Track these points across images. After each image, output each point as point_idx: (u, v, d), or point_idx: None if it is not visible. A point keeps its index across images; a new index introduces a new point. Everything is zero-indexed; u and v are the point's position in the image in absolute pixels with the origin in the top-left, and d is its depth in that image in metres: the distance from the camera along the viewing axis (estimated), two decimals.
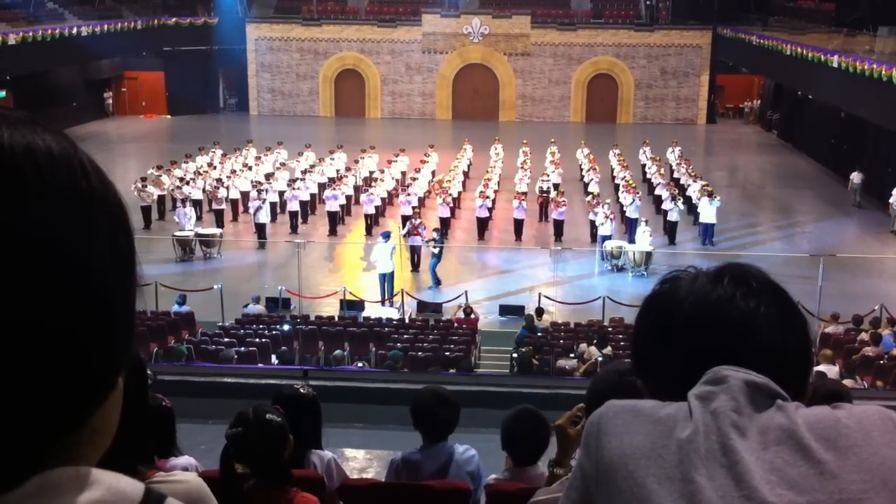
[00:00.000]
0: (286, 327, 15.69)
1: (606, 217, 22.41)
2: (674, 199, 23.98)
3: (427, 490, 4.50)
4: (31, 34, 32.92)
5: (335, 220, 24.54)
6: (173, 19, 44.11)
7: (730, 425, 1.10)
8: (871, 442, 1.10)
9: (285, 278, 19.66)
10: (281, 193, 25.49)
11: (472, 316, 17.26)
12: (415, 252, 21.61)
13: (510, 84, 44.77)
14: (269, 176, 27.43)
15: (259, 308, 17.76)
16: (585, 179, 28.52)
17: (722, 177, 32.61)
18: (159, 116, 45.36)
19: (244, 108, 46.18)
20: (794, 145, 38.70)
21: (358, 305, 18.73)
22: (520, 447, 4.44)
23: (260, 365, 13.09)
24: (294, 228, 24.42)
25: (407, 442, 5.18)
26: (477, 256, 23.39)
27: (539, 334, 15.99)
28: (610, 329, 15.86)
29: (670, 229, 23.86)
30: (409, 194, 24.50)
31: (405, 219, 22.92)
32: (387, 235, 19.93)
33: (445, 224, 24.37)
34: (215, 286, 18.15)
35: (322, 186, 26.74)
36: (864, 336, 15.08)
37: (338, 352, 14.60)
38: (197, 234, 22.71)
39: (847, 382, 11.29)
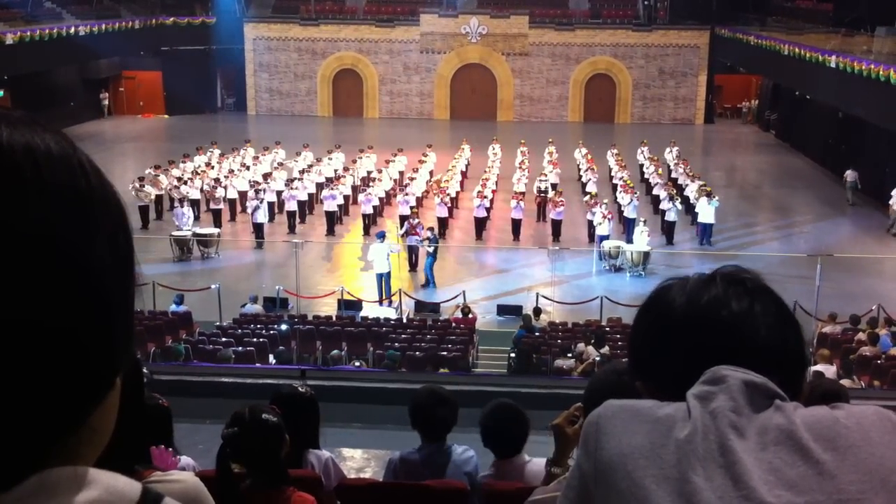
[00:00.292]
0: (284, 327, 15.68)
1: (604, 217, 22.42)
2: (672, 199, 23.99)
3: (425, 490, 4.50)
4: (29, 34, 32.89)
5: (333, 219, 24.53)
6: (171, 19, 44.09)
7: (728, 426, 1.10)
8: (869, 442, 1.10)
9: (283, 278, 19.66)
10: (279, 193, 25.47)
11: (470, 316, 17.26)
12: (413, 252, 21.62)
13: (508, 84, 44.78)
14: (266, 176, 27.41)
15: (257, 308, 17.76)
16: (583, 179, 28.52)
17: (720, 177, 32.62)
18: (157, 116, 45.33)
19: (242, 107, 46.17)
20: (792, 145, 38.73)
21: (356, 305, 18.72)
22: (500, 440, 4.48)
23: (257, 365, 13.09)
24: (292, 228, 24.42)
25: (405, 442, 5.18)
26: (475, 256, 23.39)
27: (537, 334, 15.99)
28: (608, 329, 15.86)
29: (668, 229, 23.87)
30: (407, 194, 24.50)
31: (403, 218, 22.92)
32: (382, 235, 19.94)
33: (443, 224, 24.38)
34: (213, 286, 18.15)
35: (320, 186, 26.74)
36: (862, 336, 15.09)
37: (335, 352, 14.59)
38: (195, 234, 22.70)
39: (844, 382, 11.30)
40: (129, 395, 0.90)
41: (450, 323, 17.06)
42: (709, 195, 23.72)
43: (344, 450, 7.66)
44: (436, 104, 45.25)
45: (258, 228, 23.35)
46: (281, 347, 14.41)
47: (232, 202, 25.77)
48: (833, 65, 28.35)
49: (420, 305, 19.12)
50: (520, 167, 28.07)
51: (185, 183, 25.74)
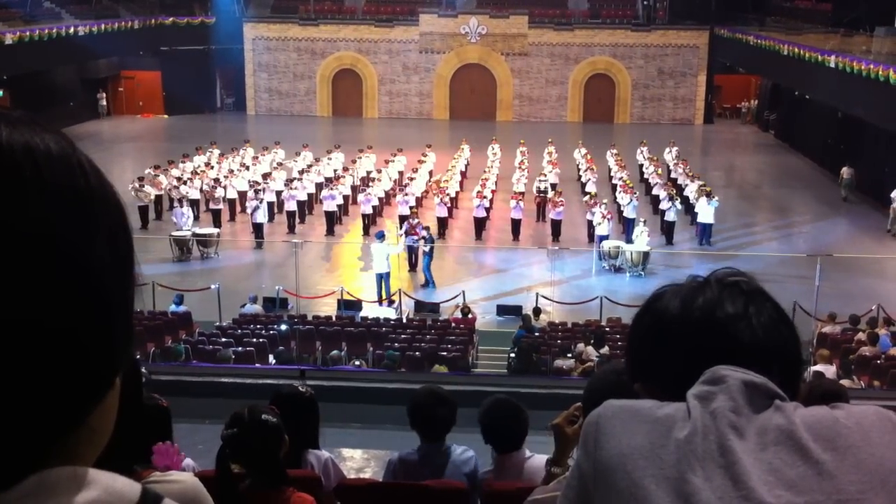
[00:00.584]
0: (283, 327, 15.68)
1: (604, 217, 22.41)
2: (671, 199, 24.00)
3: (424, 490, 4.50)
4: (28, 34, 32.90)
5: (332, 219, 24.53)
6: (170, 19, 44.09)
7: (728, 426, 1.11)
8: (869, 442, 1.10)
9: (283, 278, 19.66)
10: (278, 193, 25.47)
11: (470, 316, 17.26)
12: (412, 252, 21.61)
13: (507, 84, 44.78)
14: (266, 176, 27.40)
15: (256, 308, 17.75)
16: (583, 179, 28.53)
17: (719, 177, 32.62)
18: (156, 116, 45.33)
19: (241, 107, 46.17)
20: (791, 145, 38.75)
21: (355, 305, 18.72)
22: (500, 436, 4.49)
23: (257, 365, 13.09)
24: (291, 228, 24.42)
25: (404, 442, 5.18)
26: (474, 256, 23.39)
27: (536, 334, 15.99)
28: (607, 329, 15.86)
29: (668, 229, 23.88)
30: (406, 194, 24.49)
31: (403, 218, 22.93)
32: (381, 235, 19.94)
33: (443, 224, 24.38)
34: (212, 286, 18.14)
35: (319, 186, 26.74)
36: (861, 336, 15.09)
37: (335, 352, 14.59)
38: (194, 234, 22.70)
39: (844, 382, 11.30)
40: (128, 396, 0.90)
41: (449, 323, 17.05)
42: (708, 195, 23.72)
43: (344, 450, 7.66)
44: (435, 104, 45.25)
45: (258, 228, 23.35)
46: (280, 347, 14.40)
47: (231, 202, 25.76)
48: (832, 65, 28.36)
49: (420, 305, 19.12)
50: (519, 167, 28.07)
51: (185, 183, 25.74)
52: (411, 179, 26.84)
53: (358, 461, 7.68)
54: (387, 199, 26.65)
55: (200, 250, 22.55)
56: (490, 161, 30.02)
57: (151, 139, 39.39)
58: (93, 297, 0.79)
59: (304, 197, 25.45)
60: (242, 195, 25.75)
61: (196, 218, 24.54)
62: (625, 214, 23.99)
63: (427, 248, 20.86)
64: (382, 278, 19.46)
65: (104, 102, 44.51)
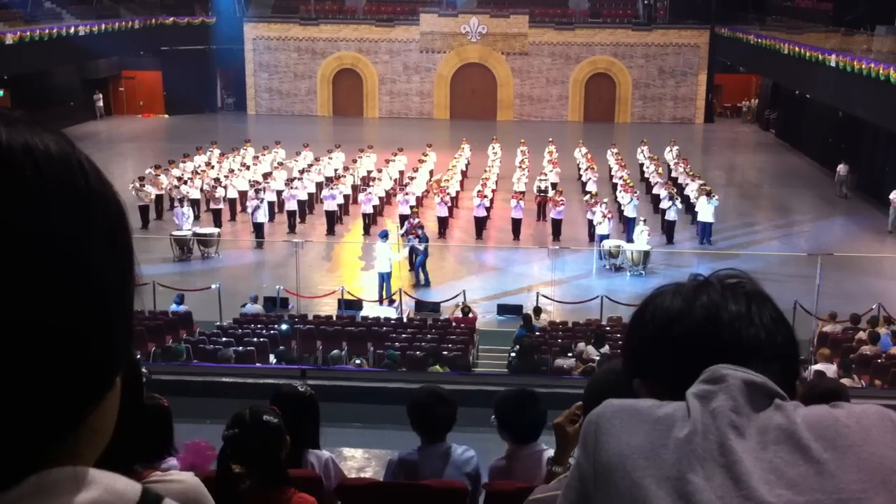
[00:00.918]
0: (284, 327, 15.67)
1: (604, 216, 22.41)
2: (672, 198, 23.99)
3: (425, 490, 4.50)
4: (28, 34, 32.91)
5: (333, 219, 24.53)
6: (171, 19, 44.08)
7: (728, 425, 1.10)
8: (869, 441, 1.10)
9: (283, 278, 19.66)
10: (279, 193, 25.47)
11: (470, 315, 17.26)
12: (413, 252, 21.60)
13: (508, 83, 44.78)
14: (266, 175, 27.41)
15: (257, 307, 17.75)
16: (583, 179, 28.52)
17: (720, 176, 32.63)
18: (157, 116, 45.33)
19: (242, 107, 46.17)
20: (792, 144, 38.74)
21: (356, 305, 18.72)
22: (515, 425, 4.49)
23: (258, 364, 13.09)
24: (292, 228, 24.42)
25: (405, 441, 5.18)
26: (475, 256, 23.39)
27: (537, 333, 15.99)
28: (608, 328, 15.86)
29: (668, 228, 23.87)
30: (407, 194, 24.49)
31: (403, 218, 22.93)
32: (385, 235, 19.93)
33: (443, 223, 24.39)
34: (213, 286, 18.14)
35: (320, 186, 26.74)
36: (862, 335, 15.09)
37: (335, 351, 14.59)
38: (195, 234, 22.70)
39: (845, 381, 11.30)
40: (128, 396, 0.90)
41: (450, 322, 17.05)
42: (708, 194, 23.72)
43: (344, 450, 7.66)
44: (435, 104, 45.25)
45: (258, 228, 23.35)
46: (281, 347, 14.41)
47: (232, 202, 25.77)
48: (833, 64, 28.35)
49: (420, 305, 19.12)
50: (520, 167, 28.07)
51: (185, 183, 25.74)
52: (412, 179, 26.84)
53: (359, 461, 7.68)
54: (387, 199, 26.65)
55: (201, 250, 22.55)
56: (490, 160, 30.02)
57: (152, 139, 39.39)
58: (92, 296, 0.79)
59: (304, 196, 25.45)
60: (243, 195, 25.76)
61: (196, 218, 24.55)
62: (625, 214, 23.99)
63: (422, 248, 20.86)
64: (384, 278, 19.47)
65: (100, 104, 44.31)
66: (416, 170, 27.85)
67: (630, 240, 22.37)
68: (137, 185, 24.71)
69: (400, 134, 36.65)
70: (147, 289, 16.88)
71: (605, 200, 23.82)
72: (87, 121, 42.31)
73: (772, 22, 40.34)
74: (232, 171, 27.85)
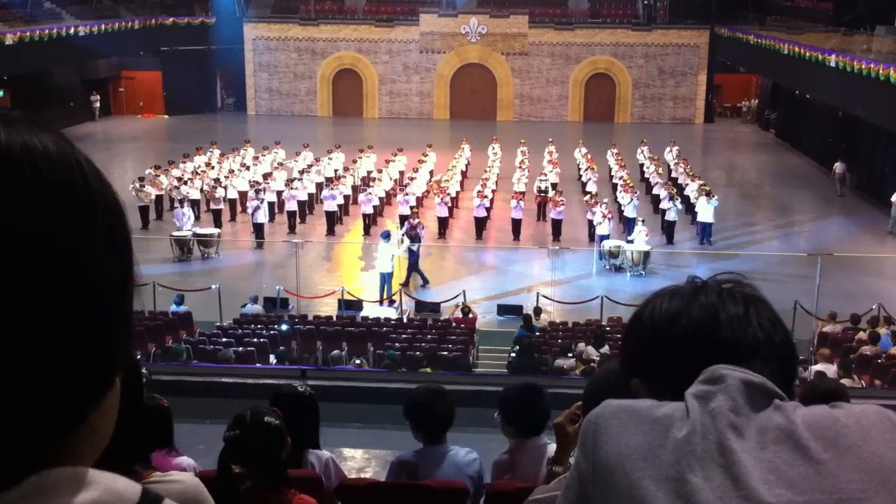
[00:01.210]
0: (284, 327, 15.67)
1: (604, 216, 22.41)
2: (672, 198, 23.99)
3: (425, 490, 4.50)
4: (28, 34, 32.90)
5: (333, 219, 24.53)
6: (171, 19, 44.07)
7: (727, 425, 1.10)
8: (869, 441, 1.10)
9: (283, 278, 19.66)
10: (279, 193, 25.47)
11: (470, 315, 17.26)
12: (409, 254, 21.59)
13: (508, 84, 44.78)
14: (266, 176, 27.41)
15: (257, 308, 17.75)
16: (583, 179, 28.52)
17: (720, 176, 32.64)
18: (157, 116, 45.33)
19: (242, 107, 46.17)
20: (792, 144, 38.74)
21: (356, 305, 18.72)
22: (525, 417, 4.51)
23: (258, 365, 13.08)
24: (292, 228, 24.41)
25: (405, 442, 5.18)
26: (475, 256, 23.39)
27: (537, 334, 15.99)
28: (608, 328, 15.86)
29: (668, 229, 23.88)
30: (407, 194, 24.49)
31: (403, 218, 22.93)
32: (387, 235, 19.93)
33: (444, 224, 24.39)
34: (213, 286, 18.14)
35: (320, 186, 26.74)
36: (862, 335, 15.09)
37: (336, 352, 14.59)
38: (195, 234, 22.70)
39: (845, 381, 11.30)
40: (128, 396, 0.90)
41: (450, 323, 17.05)
42: (708, 194, 23.72)
43: (344, 450, 7.67)
44: (436, 104, 45.25)
45: (258, 228, 23.35)
46: (281, 347, 14.40)
47: (232, 202, 25.77)
48: (833, 64, 28.35)
49: (420, 305, 19.12)
50: (520, 167, 28.07)
51: (185, 183, 25.74)
52: (412, 179, 26.84)
53: (359, 461, 7.69)
54: (387, 199, 26.65)
55: (201, 250, 22.55)
56: (490, 161, 30.02)
57: (152, 139, 39.38)
58: (92, 296, 0.79)
59: (304, 197, 25.45)
60: (243, 195, 25.76)
61: (196, 218, 24.54)
62: (625, 214, 23.98)
63: (415, 247, 20.85)
64: (386, 278, 19.47)
65: (97, 105, 44.20)
66: (416, 170, 27.85)
67: (630, 240, 22.37)
68: (137, 185, 24.70)
69: (400, 134, 36.65)
70: (147, 289, 16.90)
71: (606, 201, 23.82)
72: (87, 121, 42.31)
73: (772, 22, 40.35)
74: (232, 171, 27.85)
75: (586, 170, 28.44)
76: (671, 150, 31.56)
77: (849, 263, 21.10)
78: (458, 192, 27.11)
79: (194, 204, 24.95)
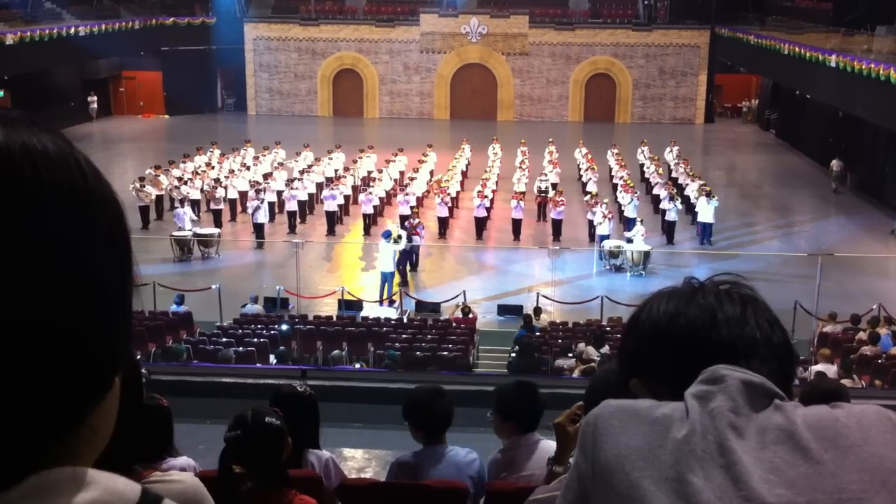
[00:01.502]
0: (284, 327, 15.67)
1: (605, 216, 22.41)
2: (672, 198, 23.99)
3: (424, 489, 4.50)
4: (28, 34, 32.90)
5: (333, 219, 24.53)
6: (171, 19, 44.08)
7: (727, 425, 1.10)
8: (869, 442, 1.10)
9: (283, 278, 19.66)
10: (279, 193, 25.48)
11: (471, 315, 17.26)
12: (413, 252, 21.60)
13: (508, 84, 44.78)
14: (267, 176, 27.41)
15: (257, 308, 17.75)
16: (584, 179, 28.53)
17: (720, 176, 32.63)
18: (157, 116, 45.33)
19: (242, 107, 46.17)
20: (792, 144, 38.74)
21: (356, 305, 18.72)
22: (522, 413, 4.52)
23: (258, 365, 13.09)
24: (292, 228, 24.42)
25: (405, 442, 5.17)
26: (475, 256, 23.39)
27: (537, 334, 15.98)
28: (608, 329, 15.86)
29: (669, 229, 23.88)
30: (407, 194, 24.50)
31: (403, 218, 22.93)
32: (388, 235, 19.93)
33: (444, 224, 24.39)
34: (213, 286, 18.14)
35: (320, 186, 26.75)
36: (862, 335, 15.09)
37: (336, 352, 14.59)
38: (195, 234, 22.70)
39: (845, 382, 11.30)
40: (128, 396, 0.90)
41: (450, 323, 17.05)
42: (708, 195, 23.72)
43: (344, 450, 7.67)
44: (436, 104, 45.25)
45: (258, 228, 23.35)
46: (281, 347, 14.40)
47: (232, 202, 25.77)
48: (833, 64, 28.34)
49: (420, 305, 19.12)
50: (520, 167, 28.07)
51: (186, 183, 25.75)
52: (412, 179, 26.85)
53: (359, 461, 7.69)
54: (388, 199, 26.65)
55: (201, 250, 22.55)
56: (491, 161, 30.02)
57: (152, 139, 39.38)
58: (91, 296, 0.79)
59: (304, 197, 25.45)
60: (243, 195, 25.76)
61: (197, 218, 24.55)
62: (626, 214, 23.98)
63: (407, 247, 20.84)
64: (387, 278, 19.47)
65: (94, 105, 44.07)
66: (416, 170, 27.86)
67: (630, 240, 22.37)
68: (138, 185, 24.70)
69: (400, 134, 36.64)
70: (147, 289, 16.90)
71: (606, 201, 23.82)
72: (87, 121, 42.29)
73: (772, 22, 40.35)
74: (232, 171, 27.86)
75: (586, 170, 28.45)
76: (671, 151, 31.56)
77: (849, 263, 21.09)
78: (458, 192, 27.11)
79: (194, 204, 24.96)
